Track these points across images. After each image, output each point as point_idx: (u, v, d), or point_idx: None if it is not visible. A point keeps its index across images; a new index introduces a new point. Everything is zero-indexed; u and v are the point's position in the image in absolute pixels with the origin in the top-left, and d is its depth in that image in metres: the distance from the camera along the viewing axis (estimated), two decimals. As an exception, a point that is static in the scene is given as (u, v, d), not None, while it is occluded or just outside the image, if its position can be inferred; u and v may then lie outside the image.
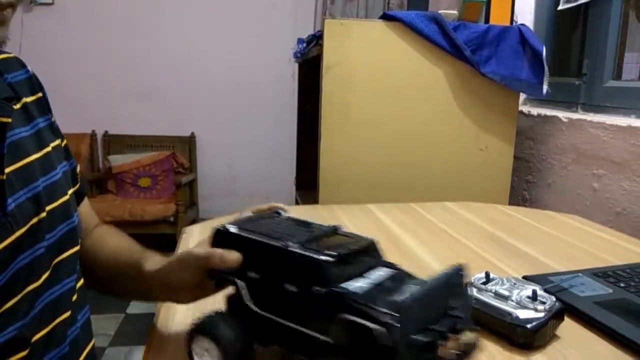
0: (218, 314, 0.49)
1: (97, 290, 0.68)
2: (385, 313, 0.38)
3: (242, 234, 0.50)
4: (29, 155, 0.57)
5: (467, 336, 0.42)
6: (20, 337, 0.51)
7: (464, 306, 0.44)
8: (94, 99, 3.41)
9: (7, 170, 0.53)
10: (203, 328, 0.48)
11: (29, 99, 0.61)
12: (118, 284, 0.65)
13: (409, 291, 0.41)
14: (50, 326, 0.56)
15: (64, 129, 0.69)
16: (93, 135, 3.44)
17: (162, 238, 2.81)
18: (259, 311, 0.48)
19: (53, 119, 0.65)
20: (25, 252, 0.53)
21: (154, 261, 0.59)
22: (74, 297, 0.60)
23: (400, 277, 0.46)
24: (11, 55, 0.62)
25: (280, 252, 0.46)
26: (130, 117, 3.47)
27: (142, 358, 0.56)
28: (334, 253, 0.44)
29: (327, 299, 0.42)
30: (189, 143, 3.52)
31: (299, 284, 0.44)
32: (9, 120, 0.54)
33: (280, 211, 0.59)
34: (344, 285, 0.43)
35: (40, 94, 0.64)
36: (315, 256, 0.44)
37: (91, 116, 3.41)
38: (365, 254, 0.48)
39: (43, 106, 0.64)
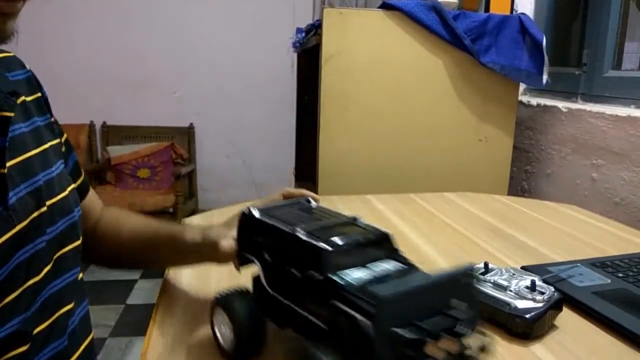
0: (237, 291, 0.53)
1: (120, 267, 0.76)
2: (369, 303, 0.38)
3: (262, 218, 0.52)
4: (29, 150, 0.57)
5: (475, 340, 0.40)
6: (22, 331, 0.52)
7: (470, 308, 0.41)
8: (92, 90, 3.40)
9: (8, 164, 0.53)
10: (220, 301, 0.52)
11: (28, 98, 0.62)
12: (150, 255, 0.71)
13: (400, 284, 0.41)
14: (51, 320, 0.56)
15: (62, 120, 0.70)
16: (91, 126, 3.43)
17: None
18: (270, 291, 0.50)
19: (52, 119, 0.66)
20: (26, 246, 0.53)
21: (192, 232, 0.64)
22: (74, 291, 0.60)
23: (406, 272, 0.45)
24: (10, 54, 0.62)
25: (288, 237, 0.48)
26: (128, 107, 3.46)
27: (142, 348, 0.56)
28: (336, 242, 0.45)
29: (323, 286, 0.43)
30: (187, 134, 3.51)
31: (301, 269, 0.46)
32: (12, 114, 0.54)
33: (310, 199, 0.61)
34: (342, 274, 0.43)
35: (39, 94, 0.64)
36: (316, 243, 0.45)
37: (89, 107, 3.40)
38: (375, 246, 0.48)
39: (42, 106, 0.64)
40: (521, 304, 0.59)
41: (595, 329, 0.62)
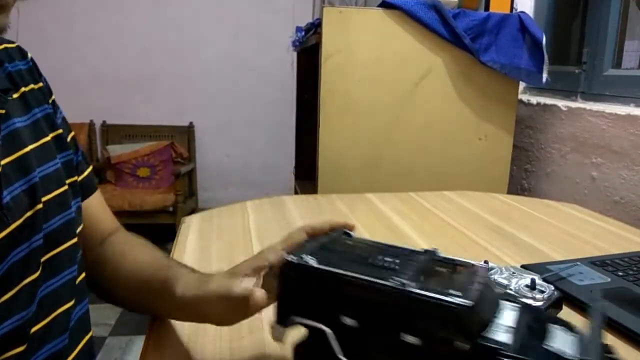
0: None
1: (118, 305, 0.65)
2: None
3: (328, 268, 0.39)
4: (26, 145, 0.56)
5: None
6: (19, 330, 0.51)
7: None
8: (92, 89, 3.39)
9: (3, 162, 0.52)
10: None
11: (28, 88, 0.60)
12: (142, 301, 0.61)
13: (559, 336, 0.34)
14: (49, 318, 0.55)
15: None
16: (91, 125, 3.42)
17: (162, 228, 2.82)
18: None
19: (55, 109, 0.64)
20: (21, 245, 0.52)
21: (186, 284, 0.53)
22: (73, 290, 0.59)
23: (530, 313, 0.38)
24: (13, 45, 0.61)
25: (393, 293, 0.36)
26: (128, 106, 3.46)
27: (142, 347, 0.56)
28: (471, 295, 0.35)
29: (474, 356, 0.33)
30: (187, 133, 3.51)
31: (424, 335, 0.35)
32: (3, 111, 0.53)
33: (348, 231, 0.50)
34: (488, 335, 0.34)
35: (40, 84, 0.63)
36: (450, 300, 0.34)
37: (89, 106, 3.40)
38: (488, 287, 0.38)
39: (44, 95, 0.62)
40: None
41: (595, 327, 0.62)
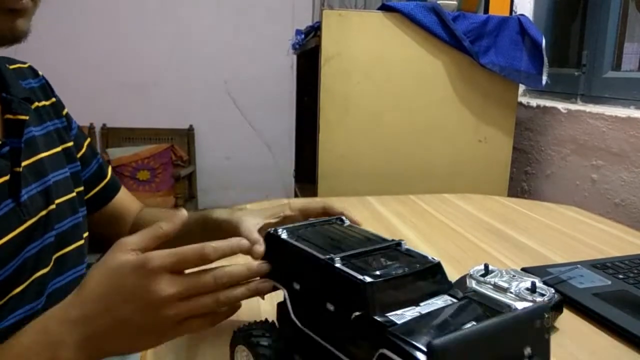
0: (259, 323, 0.47)
1: None
2: (422, 352, 0.32)
3: (290, 240, 0.47)
4: (40, 152, 0.62)
5: None
6: (28, 320, 0.53)
7: (543, 354, 0.35)
8: (92, 92, 3.39)
9: (23, 163, 0.58)
10: (242, 338, 0.47)
11: (41, 104, 0.66)
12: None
13: (459, 329, 0.35)
14: None
15: None
16: (91, 128, 3.42)
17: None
18: (299, 325, 0.45)
19: (69, 121, 0.71)
20: (35, 241, 0.57)
21: (220, 212, 0.66)
22: None
23: (461, 308, 0.40)
24: (26, 65, 0.67)
25: (322, 266, 0.42)
26: (128, 109, 3.46)
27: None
28: (381, 274, 0.39)
29: (366, 329, 0.37)
30: (187, 136, 3.51)
31: (338, 305, 0.40)
32: (27, 117, 0.59)
33: (344, 218, 0.57)
34: (389, 314, 0.37)
35: (53, 99, 0.69)
36: (358, 275, 0.39)
37: (89, 109, 3.40)
38: (425, 278, 0.42)
39: (56, 110, 0.69)
40: (521, 305, 0.59)
41: (595, 330, 0.61)
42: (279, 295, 0.48)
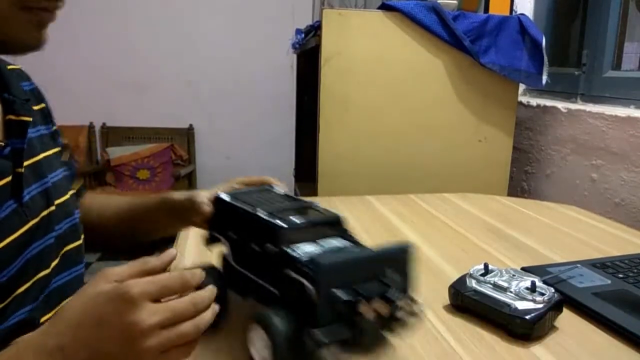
0: (206, 266, 0.55)
1: (104, 249, 0.81)
2: (313, 270, 0.45)
3: (229, 200, 0.60)
4: (38, 153, 0.63)
5: (402, 307, 0.48)
6: (30, 319, 0.56)
7: (404, 281, 0.49)
8: (91, 91, 3.39)
9: (25, 163, 0.58)
10: None
11: (35, 107, 0.68)
12: (135, 226, 0.77)
13: (341, 256, 0.49)
14: (56, 309, 0.60)
15: (61, 121, 0.73)
16: (91, 127, 3.42)
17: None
18: (234, 264, 0.57)
19: (54, 128, 0.72)
20: (37, 241, 0.57)
21: (179, 193, 0.73)
22: (79, 285, 0.65)
23: (352, 247, 0.52)
24: (18, 66, 0.68)
25: (250, 216, 0.55)
26: (128, 108, 3.46)
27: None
28: (291, 220, 0.52)
29: (277, 257, 0.50)
30: (187, 135, 3.51)
31: (260, 244, 0.52)
32: (30, 119, 0.60)
33: (274, 186, 0.69)
34: (294, 247, 0.50)
35: (43, 105, 0.70)
36: (273, 221, 0.52)
37: (89, 108, 3.40)
38: (328, 226, 0.55)
39: (45, 115, 0.70)
40: (521, 305, 0.59)
41: (595, 330, 0.61)
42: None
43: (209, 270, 0.54)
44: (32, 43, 0.55)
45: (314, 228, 0.53)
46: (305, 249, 0.50)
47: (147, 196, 0.77)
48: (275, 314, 0.47)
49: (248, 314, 0.51)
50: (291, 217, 0.53)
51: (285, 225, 0.51)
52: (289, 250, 0.49)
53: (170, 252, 0.48)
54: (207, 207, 0.63)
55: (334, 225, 0.55)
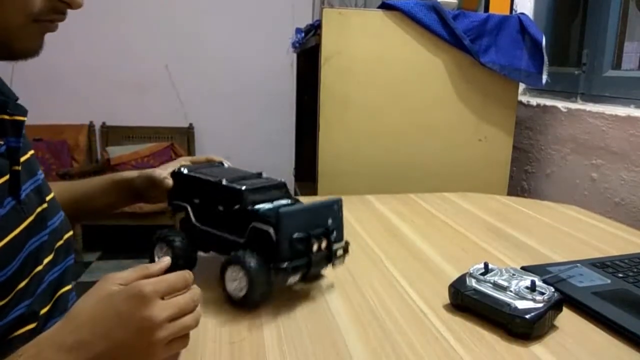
0: (171, 229, 0.72)
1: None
2: (275, 219, 0.60)
3: (191, 173, 0.73)
4: (27, 151, 0.65)
5: (339, 245, 0.67)
6: (30, 312, 0.57)
7: (338, 226, 0.67)
8: (91, 90, 3.39)
9: (22, 159, 0.60)
10: (162, 237, 0.70)
11: None
12: (77, 213, 0.82)
13: (293, 208, 0.62)
14: (53, 300, 0.63)
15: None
16: (91, 126, 3.42)
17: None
18: (200, 226, 0.70)
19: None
20: (34, 237, 0.59)
21: (130, 172, 0.83)
22: (71, 274, 0.69)
23: (298, 204, 0.67)
24: None
25: (216, 185, 0.68)
26: (128, 108, 3.45)
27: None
28: (250, 185, 0.66)
29: (244, 215, 0.64)
30: (187, 134, 3.50)
31: (225, 206, 0.67)
32: (25, 119, 0.61)
33: (224, 162, 0.84)
34: (255, 207, 0.65)
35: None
36: (238, 186, 0.65)
37: (89, 107, 3.39)
38: (275, 189, 0.69)
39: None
40: (521, 304, 0.59)
41: (595, 329, 0.61)
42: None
43: (177, 232, 0.71)
44: (36, 50, 0.60)
45: (267, 191, 0.67)
46: (264, 207, 0.65)
47: (90, 180, 0.85)
48: (247, 255, 0.61)
49: (214, 263, 0.66)
50: (250, 181, 0.68)
51: (247, 188, 0.65)
52: (252, 209, 0.64)
53: (166, 259, 0.56)
54: (169, 181, 0.75)
55: (281, 189, 0.70)
